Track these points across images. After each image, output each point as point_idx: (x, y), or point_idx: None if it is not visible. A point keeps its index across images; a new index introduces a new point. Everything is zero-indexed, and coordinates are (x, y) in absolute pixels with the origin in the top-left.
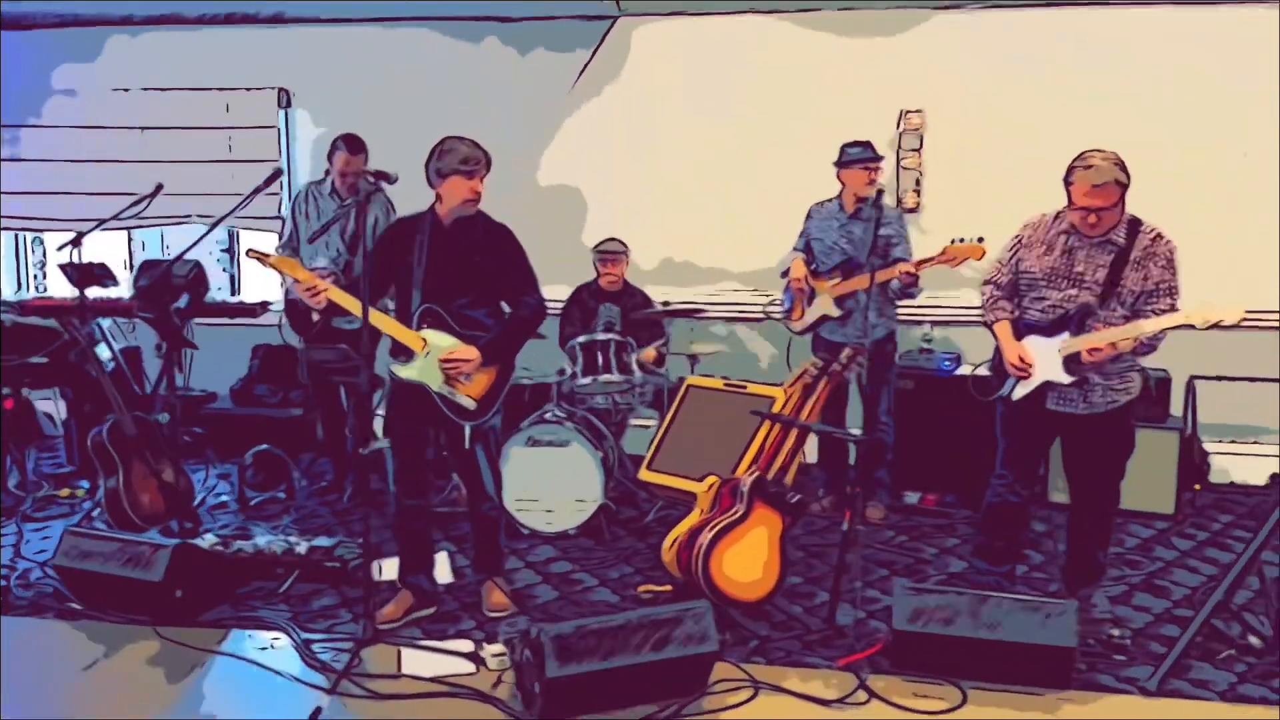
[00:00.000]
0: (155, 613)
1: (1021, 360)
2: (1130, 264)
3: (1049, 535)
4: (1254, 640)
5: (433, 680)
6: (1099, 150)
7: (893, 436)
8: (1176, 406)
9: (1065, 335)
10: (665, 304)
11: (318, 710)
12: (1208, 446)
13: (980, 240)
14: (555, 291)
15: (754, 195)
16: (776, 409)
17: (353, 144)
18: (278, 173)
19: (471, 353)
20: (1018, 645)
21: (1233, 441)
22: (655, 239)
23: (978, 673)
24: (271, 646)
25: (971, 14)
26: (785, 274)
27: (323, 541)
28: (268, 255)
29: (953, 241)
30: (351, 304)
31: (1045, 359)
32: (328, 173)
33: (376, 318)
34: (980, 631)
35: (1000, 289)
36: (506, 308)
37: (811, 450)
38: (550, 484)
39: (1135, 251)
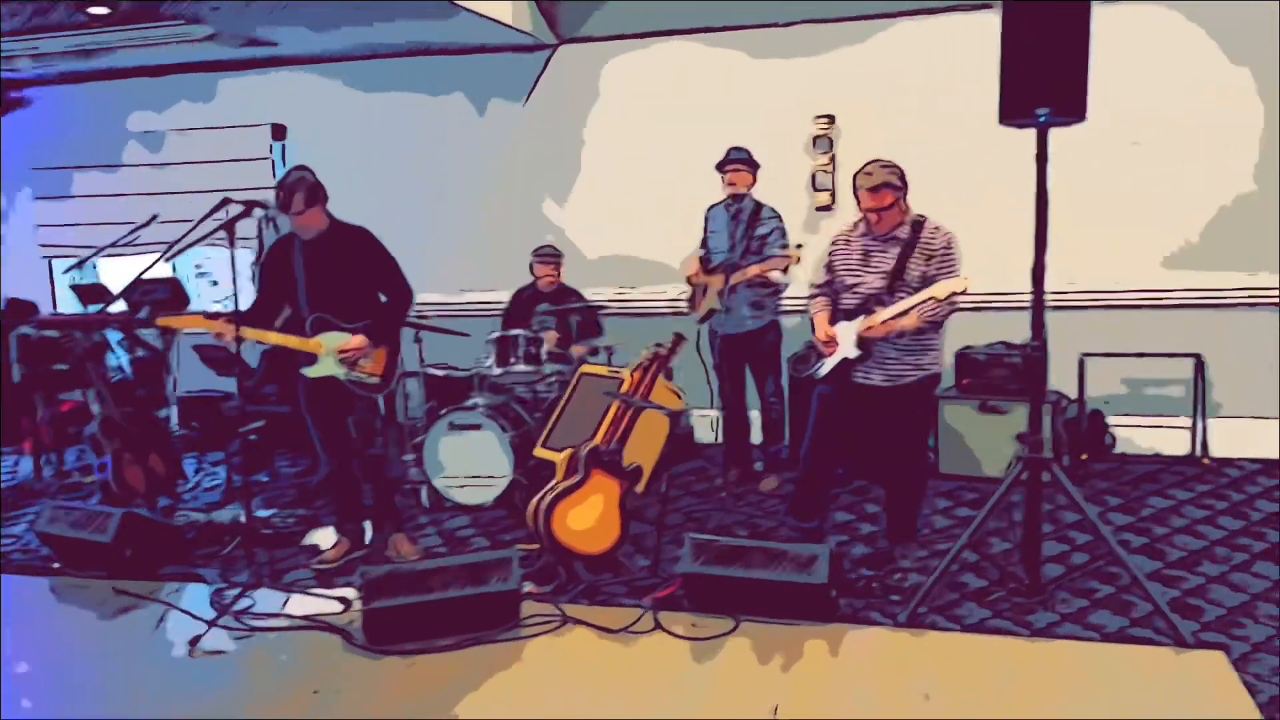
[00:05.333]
0: (110, 569)
1: (827, 336)
2: (913, 255)
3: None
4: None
5: (303, 619)
6: (878, 159)
7: (779, 414)
8: (1062, 383)
9: (861, 318)
10: (579, 303)
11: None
12: (1114, 420)
13: (799, 246)
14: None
15: (687, 199)
16: (624, 389)
17: None
18: (225, 200)
19: (359, 340)
20: (780, 584)
21: (1155, 415)
22: (595, 241)
23: (752, 608)
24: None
25: (869, 25)
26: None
27: (263, 513)
28: (176, 314)
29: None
30: (257, 334)
31: (845, 339)
32: None
33: (276, 337)
34: (750, 572)
35: (820, 288)
36: (383, 296)
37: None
38: (467, 463)
39: (918, 245)
